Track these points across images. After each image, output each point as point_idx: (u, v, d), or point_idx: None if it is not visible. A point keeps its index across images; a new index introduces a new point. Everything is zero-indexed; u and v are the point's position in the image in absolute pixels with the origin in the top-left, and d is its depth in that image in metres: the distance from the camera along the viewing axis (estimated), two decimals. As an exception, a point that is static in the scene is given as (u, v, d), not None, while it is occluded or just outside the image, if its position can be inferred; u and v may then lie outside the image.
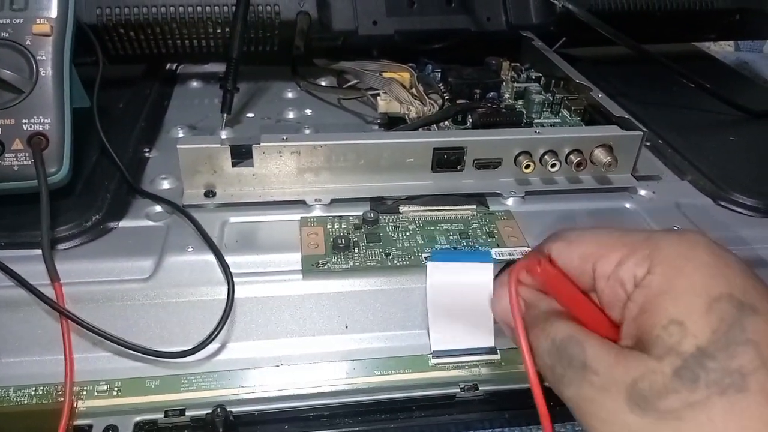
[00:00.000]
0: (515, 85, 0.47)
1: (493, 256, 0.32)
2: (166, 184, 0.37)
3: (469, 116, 0.42)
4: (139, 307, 0.29)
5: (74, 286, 0.29)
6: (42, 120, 0.34)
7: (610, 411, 0.20)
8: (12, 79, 0.34)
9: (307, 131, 0.45)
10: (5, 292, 0.29)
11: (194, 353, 0.28)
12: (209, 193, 0.35)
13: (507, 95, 0.46)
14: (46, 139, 0.34)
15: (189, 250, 0.31)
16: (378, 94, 0.45)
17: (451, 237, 0.34)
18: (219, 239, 0.33)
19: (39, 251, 0.31)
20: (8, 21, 0.35)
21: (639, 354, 0.20)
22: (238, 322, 0.30)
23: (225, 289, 0.30)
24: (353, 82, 0.49)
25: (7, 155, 0.34)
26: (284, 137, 0.35)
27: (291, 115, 0.47)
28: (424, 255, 0.32)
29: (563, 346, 0.21)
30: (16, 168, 0.34)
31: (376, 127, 0.46)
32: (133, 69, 0.50)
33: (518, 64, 0.51)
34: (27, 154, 0.34)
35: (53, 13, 0.36)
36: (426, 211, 0.36)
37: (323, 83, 0.52)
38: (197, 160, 0.34)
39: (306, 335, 0.31)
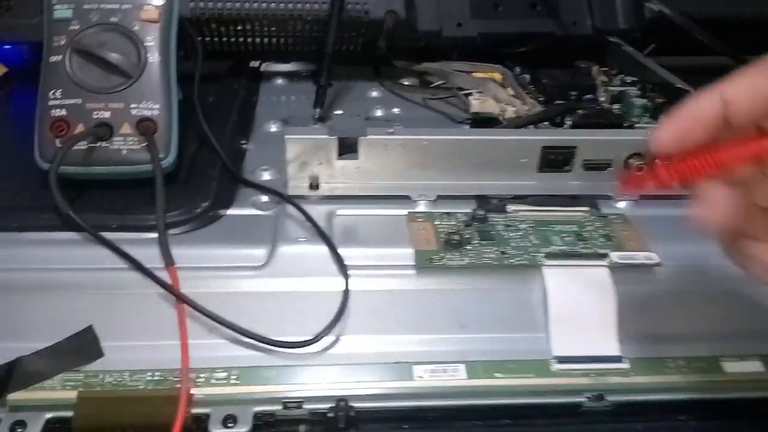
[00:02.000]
0: (610, 88, 0.46)
1: (614, 260, 0.31)
2: (266, 176, 0.37)
3: (569, 118, 0.41)
4: (253, 294, 0.29)
5: (187, 272, 0.29)
6: (150, 105, 0.34)
7: None
8: (121, 63, 0.34)
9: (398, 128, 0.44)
10: (120, 275, 0.29)
11: (313, 343, 0.27)
12: (313, 185, 0.34)
13: (602, 99, 0.45)
14: (154, 124, 0.34)
15: (301, 240, 0.31)
16: (470, 94, 0.44)
17: (566, 238, 0.32)
18: (327, 231, 0.32)
19: (149, 235, 0.30)
20: (117, 6, 0.35)
21: None
22: (352, 315, 0.29)
23: (338, 280, 0.29)
24: (439, 82, 0.48)
25: (115, 139, 0.34)
26: (390, 130, 0.34)
27: (379, 113, 0.46)
28: (540, 255, 0.31)
29: None
30: (124, 152, 0.33)
31: (467, 126, 0.45)
32: (218, 65, 0.50)
33: (607, 69, 0.50)
34: (135, 139, 0.33)
35: (160, 0, 0.36)
36: (534, 211, 0.34)
37: (406, 83, 0.51)
38: (304, 151, 0.33)
39: (421, 333, 0.29)
